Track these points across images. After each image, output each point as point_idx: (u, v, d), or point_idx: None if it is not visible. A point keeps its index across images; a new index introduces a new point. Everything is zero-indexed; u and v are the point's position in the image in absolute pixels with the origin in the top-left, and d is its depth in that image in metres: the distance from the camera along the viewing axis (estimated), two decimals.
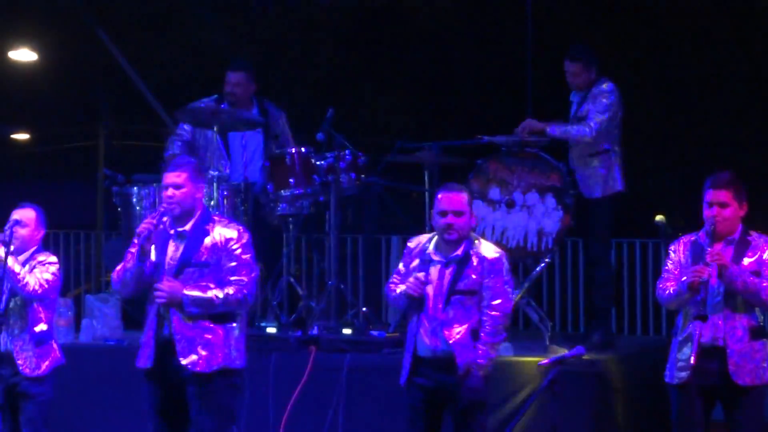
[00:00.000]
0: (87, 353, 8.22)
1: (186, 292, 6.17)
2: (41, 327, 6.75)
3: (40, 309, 6.76)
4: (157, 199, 7.67)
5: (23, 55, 14.58)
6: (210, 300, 6.20)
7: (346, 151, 8.12)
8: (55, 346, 6.86)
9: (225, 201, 8.06)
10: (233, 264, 6.28)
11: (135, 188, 8.22)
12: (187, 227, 6.31)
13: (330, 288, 8.16)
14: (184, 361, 6.17)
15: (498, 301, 6.11)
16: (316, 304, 8.30)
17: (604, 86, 8.08)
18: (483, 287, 6.11)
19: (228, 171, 8.42)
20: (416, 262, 6.24)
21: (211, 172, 8.06)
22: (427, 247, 6.24)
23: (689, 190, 6.80)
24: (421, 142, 8.49)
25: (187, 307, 6.17)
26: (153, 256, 6.28)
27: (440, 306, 6.12)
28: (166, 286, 6.18)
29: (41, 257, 6.80)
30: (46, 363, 6.75)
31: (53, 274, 6.74)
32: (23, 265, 6.69)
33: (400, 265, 6.37)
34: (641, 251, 10.14)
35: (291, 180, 8.11)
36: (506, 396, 7.30)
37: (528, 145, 8.25)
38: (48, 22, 13.28)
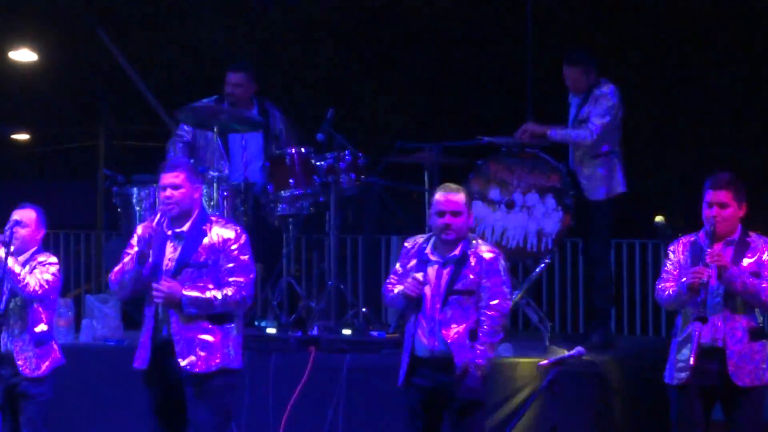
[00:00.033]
0: (87, 353, 8.23)
1: (185, 292, 6.17)
2: (41, 327, 6.75)
3: (41, 309, 6.76)
4: (157, 200, 7.67)
5: (23, 55, 14.58)
6: (209, 300, 6.21)
7: (346, 152, 8.12)
8: (55, 346, 6.86)
9: (225, 201, 8.06)
10: (231, 265, 6.29)
11: (135, 189, 8.22)
12: (185, 228, 6.32)
13: (330, 288, 8.16)
14: (183, 363, 6.18)
15: (496, 302, 6.12)
16: (316, 305, 8.30)
17: (605, 89, 8.07)
18: (481, 287, 6.12)
19: (228, 171, 8.42)
20: (413, 262, 6.24)
21: (211, 173, 8.06)
22: (425, 247, 6.25)
23: (689, 190, 6.80)
24: (421, 143, 8.49)
25: (186, 308, 6.18)
26: (151, 258, 6.29)
27: (438, 306, 6.13)
28: (164, 286, 6.19)
29: (41, 258, 6.80)
30: (46, 363, 6.76)
31: (53, 274, 6.75)
32: (23, 265, 6.69)
33: (397, 266, 6.38)
34: (641, 252, 10.13)
35: (291, 180, 8.12)
36: (506, 396, 7.30)
37: (528, 145, 8.26)
38: (48, 22, 13.28)
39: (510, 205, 8.25)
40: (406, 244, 6.38)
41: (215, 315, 6.27)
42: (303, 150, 8.15)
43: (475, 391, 6.07)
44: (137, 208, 8.14)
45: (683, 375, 6.22)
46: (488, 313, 6.11)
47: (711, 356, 6.17)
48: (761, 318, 6.26)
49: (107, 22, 12.82)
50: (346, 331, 7.91)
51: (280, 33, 13.33)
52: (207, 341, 6.24)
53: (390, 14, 13.03)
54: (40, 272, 6.70)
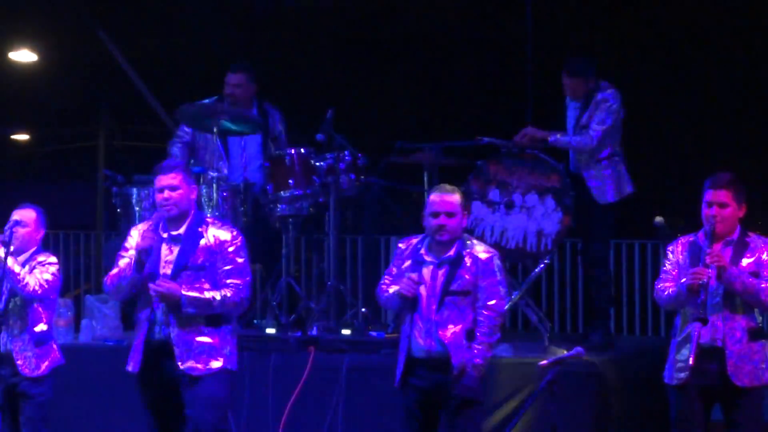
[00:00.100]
0: (86, 353, 8.23)
1: (184, 292, 6.18)
2: (41, 327, 6.76)
3: (40, 309, 6.76)
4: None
5: (23, 55, 14.57)
6: (208, 301, 6.22)
7: (346, 152, 8.12)
8: (54, 346, 6.87)
9: (224, 202, 8.06)
10: (229, 267, 6.30)
11: (135, 189, 8.23)
12: (182, 230, 6.33)
13: (329, 288, 8.17)
14: (183, 366, 6.19)
15: (493, 302, 6.12)
16: (315, 305, 8.30)
17: (605, 93, 8.06)
18: (477, 288, 6.12)
19: (227, 172, 8.42)
20: (408, 263, 6.24)
21: (211, 173, 8.06)
22: (419, 248, 6.25)
23: (688, 190, 6.81)
24: (420, 143, 8.50)
25: (185, 308, 6.19)
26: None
27: (434, 307, 6.12)
28: (164, 286, 6.19)
29: (41, 257, 6.81)
30: (46, 363, 6.76)
31: (53, 274, 6.75)
32: (23, 265, 6.70)
33: (392, 266, 6.38)
34: (640, 252, 10.14)
35: (290, 181, 8.12)
36: (505, 396, 7.30)
37: (527, 146, 8.26)
38: (48, 23, 13.27)
39: (509, 206, 8.25)
40: (400, 245, 6.38)
41: (212, 317, 6.28)
42: (303, 150, 8.15)
43: (472, 390, 6.07)
44: (137, 209, 8.14)
45: (683, 375, 6.22)
46: (485, 313, 6.11)
47: (710, 356, 6.17)
48: (760, 318, 6.27)
49: (107, 22, 12.82)
50: (346, 331, 7.92)
51: (280, 34, 13.33)
52: (206, 344, 6.26)
53: (390, 15, 13.03)
54: (40, 272, 6.70)
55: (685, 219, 6.83)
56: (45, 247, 7.01)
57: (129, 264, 6.29)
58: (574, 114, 8.22)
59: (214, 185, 7.99)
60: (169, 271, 6.27)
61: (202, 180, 7.96)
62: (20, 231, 6.74)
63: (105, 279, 6.48)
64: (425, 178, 8.39)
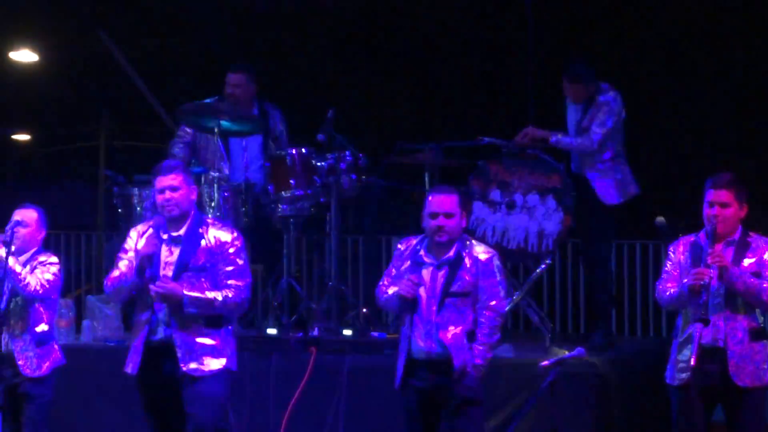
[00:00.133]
0: (88, 354, 8.23)
1: (186, 292, 6.18)
2: (42, 327, 6.76)
3: (41, 309, 6.76)
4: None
5: (24, 56, 14.56)
6: (210, 301, 6.23)
7: (347, 152, 8.12)
8: (56, 346, 6.87)
9: (225, 202, 8.06)
10: (230, 268, 6.31)
11: (136, 189, 8.23)
12: (182, 231, 6.32)
13: (330, 289, 8.16)
14: (185, 368, 6.19)
15: (493, 302, 6.13)
16: (316, 305, 8.30)
17: (607, 96, 8.05)
18: (477, 288, 6.12)
19: (228, 172, 8.42)
20: (407, 264, 6.24)
21: (212, 174, 8.06)
22: (418, 249, 6.24)
23: (689, 191, 6.80)
24: (421, 144, 8.50)
25: (187, 307, 6.19)
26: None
27: (434, 308, 6.12)
28: (166, 287, 6.18)
29: (42, 257, 6.81)
30: (47, 364, 6.76)
31: (54, 274, 6.75)
32: (24, 265, 6.70)
33: (391, 267, 6.37)
34: (641, 252, 10.14)
35: (292, 181, 8.12)
36: (507, 397, 7.31)
37: (528, 147, 8.27)
38: (49, 23, 13.27)
39: (511, 206, 8.25)
40: (399, 246, 6.38)
41: (213, 318, 6.28)
42: (303, 151, 8.15)
43: (473, 391, 6.08)
44: (138, 209, 8.14)
45: (684, 375, 6.22)
46: (486, 313, 6.11)
47: (712, 357, 6.17)
48: (762, 318, 6.27)
49: (108, 22, 12.82)
50: (347, 332, 7.92)
51: (280, 33, 13.32)
52: (207, 344, 6.26)
53: (391, 15, 13.03)
54: (41, 272, 6.70)
55: (686, 219, 6.82)
56: (46, 247, 7.01)
57: (130, 268, 6.28)
58: (574, 117, 8.22)
59: (216, 185, 7.99)
60: (170, 273, 6.27)
61: (203, 180, 7.96)
62: (21, 231, 6.74)
63: (105, 281, 6.47)
64: (426, 179, 8.39)
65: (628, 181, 8.15)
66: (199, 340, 6.25)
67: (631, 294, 10.19)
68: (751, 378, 6.17)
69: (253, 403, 7.69)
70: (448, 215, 6.15)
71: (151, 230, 6.41)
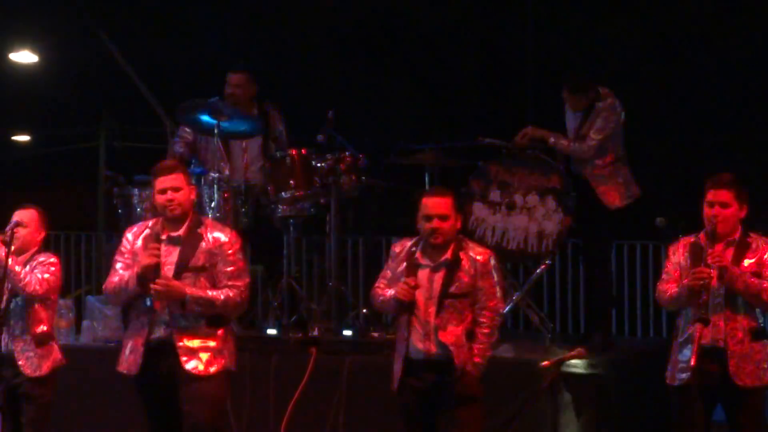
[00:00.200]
0: (87, 354, 8.22)
1: (188, 290, 6.18)
2: (42, 328, 6.75)
3: (41, 310, 6.76)
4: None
5: (24, 56, 14.58)
6: (211, 301, 6.22)
7: (347, 153, 8.12)
8: (56, 346, 6.86)
9: (225, 203, 8.05)
10: (230, 269, 6.30)
11: (136, 189, 8.21)
12: (181, 231, 6.32)
13: (330, 290, 8.16)
14: (186, 367, 6.18)
15: (492, 303, 6.14)
16: (316, 306, 8.30)
17: (606, 102, 8.05)
18: (476, 289, 6.13)
19: (228, 172, 8.42)
20: (403, 266, 6.24)
21: (212, 174, 8.06)
22: (414, 251, 6.24)
23: (690, 192, 6.80)
24: (421, 144, 8.49)
25: (189, 305, 6.18)
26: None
27: (432, 310, 6.12)
28: (168, 285, 6.17)
29: (42, 258, 6.80)
30: (48, 364, 6.75)
31: (54, 274, 6.75)
32: (24, 265, 6.69)
33: (386, 269, 6.37)
34: (641, 253, 10.14)
35: (291, 182, 8.11)
36: (506, 397, 7.30)
37: (528, 147, 8.27)
38: (49, 24, 13.28)
39: (511, 207, 8.25)
40: (394, 248, 6.38)
41: (213, 318, 6.27)
42: (303, 151, 8.15)
43: (473, 388, 6.08)
44: (138, 209, 8.13)
45: (684, 376, 6.21)
46: (486, 313, 6.13)
47: (712, 357, 6.17)
48: (762, 318, 6.27)
49: (108, 23, 12.83)
50: (347, 333, 7.91)
51: (281, 34, 13.33)
52: (209, 345, 6.26)
53: (392, 16, 13.04)
54: (41, 272, 6.70)
55: (686, 220, 6.82)
56: (46, 247, 7.00)
57: (131, 275, 6.24)
58: (574, 122, 8.22)
59: (215, 186, 7.98)
60: (170, 273, 6.26)
61: (203, 181, 7.96)
62: (21, 232, 6.74)
63: (104, 286, 6.45)
64: (426, 179, 8.39)
65: (629, 183, 8.15)
66: (200, 339, 6.24)
67: (631, 294, 10.19)
68: (751, 378, 6.17)
69: (253, 404, 7.69)
70: (443, 218, 6.15)
71: (148, 231, 6.39)
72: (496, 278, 6.18)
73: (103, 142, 18.48)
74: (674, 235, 6.54)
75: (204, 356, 6.23)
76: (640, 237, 9.99)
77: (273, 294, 8.50)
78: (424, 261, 6.20)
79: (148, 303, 6.23)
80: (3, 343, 6.71)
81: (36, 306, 6.73)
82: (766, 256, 6.21)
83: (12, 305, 6.71)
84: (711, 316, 6.10)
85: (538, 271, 8.38)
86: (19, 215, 6.80)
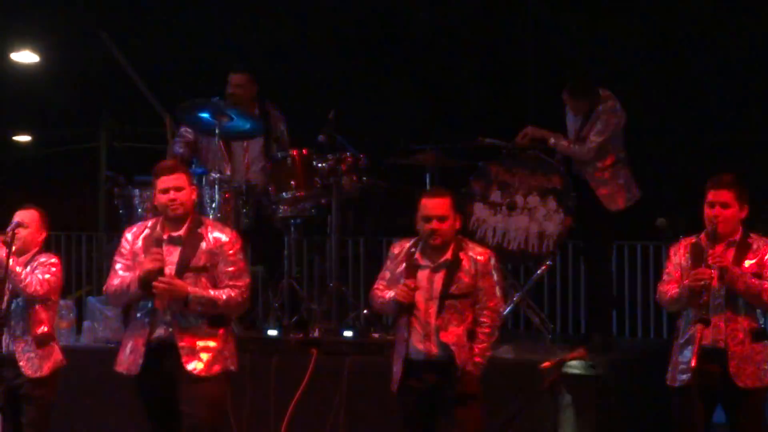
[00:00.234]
0: (88, 355, 8.22)
1: (190, 289, 6.17)
2: (43, 328, 6.75)
3: (42, 310, 6.76)
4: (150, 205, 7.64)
5: (25, 56, 14.59)
6: (213, 300, 6.22)
7: (348, 153, 8.12)
8: (57, 347, 6.86)
9: (226, 203, 8.05)
10: (231, 269, 6.30)
11: (137, 190, 8.21)
12: (182, 231, 6.31)
13: (331, 290, 8.16)
14: (186, 367, 6.17)
15: (492, 303, 6.15)
16: (317, 307, 8.30)
17: (606, 105, 8.05)
18: (476, 289, 6.14)
19: (229, 173, 8.42)
20: (402, 267, 6.24)
21: (213, 174, 8.06)
22: (413, 251, 6.25)
23: (690, 192, 6.81)
24: (422, 144, 8.50)
25: (191, 305, 6.18)
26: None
27: (432, 311, 6.13)
28: (171, 284, 6.16)
29: (43, 258, 6.80)
30: (48, 365, 6.75)
31: (55, 275, 6.75)
32: (25, 266, 6.69)
33: (385, 270, 6.37)
34: (642, 254, 10.14)
35: (292, 182, 8.12)
36: (507, 398, 7.30)
37: (528, 148, 8.27)
38: (50, 24, 13.29)
39: (511, 207, 8.26)
40: (393, 249, 6.38)
41: (215, 318, 6.27)
42: (304, 152, 8.15)
43: (473, 387, 6.09)
44: (139, 210, 8.13)
45: (685, 377, 6.22)
46: (487, 313, 6.14)
47: (712, 358, 6.17)
48: (762, 319, 6.27)
49: (109, 23, 12.83)
50: (348, 333, 7.91)
51: (282, 34, 13.33)
52: (209, 344, 6.25)
53: (393, 16, 13.04)
54: (42, 273, 6.70)
55: (686, 221, 6.82)
56: (47, 248, 7.00)
57: (133, 279, 6.23)
58: (574, 124, 8.23)
59: (216, 186, 7.99)
60: (171, 274, 6.25)
61: (204, 181, 7.96)
62: (22, 232, 6.73)
63: (105, 288, 6.44)
64: (427, 179, 8.40)
65: (630, 185, 8.15)
66: (201, 339, 6.23)
67: (631, 295, 10.19)
68: (751, 379, 6.17)
69: (254, 404, 7.68)
70: (442, 218, 6.16)
71: (147, 231, 6.39)
72: (496, 278, 6.20)
73: (103, 143, 18.47)
74: (675, 236, 6.55)
75: (205, 356, 6.23)
76: (641, 238, 9.99)
77: (274, 295, 8.50)
78: (423, 262, 6.21)
79: (150, 305, 6.23)
80: (4, 344, 6.70)
81: (37, 307, 6.73)
82: (766, 257, 6.21)
83: (13, 306, 6.71)
84: (712, 317, 6.10)
85: (538, 271, 8.38)
86: (19, 216, 6.79)
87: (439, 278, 6.15)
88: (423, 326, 6.13)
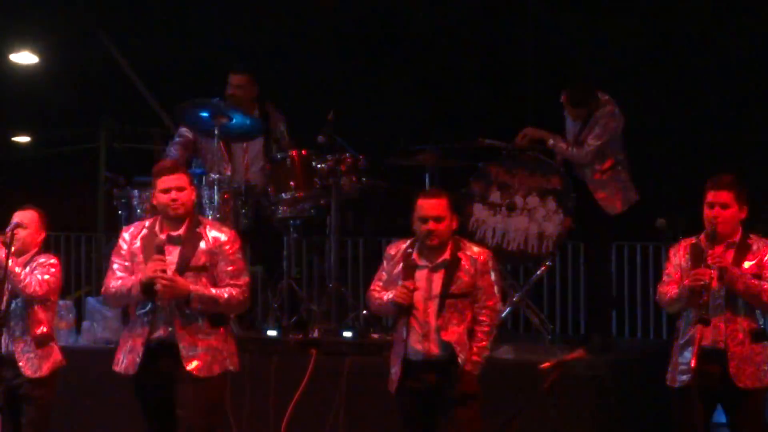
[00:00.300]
0: (87, 355, 8.22)
1: (192, 288, 6.17)
2: (42, 329, 6.75)
3: (41, 311, 6.76)
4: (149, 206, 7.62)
5: (24, 57, 14.58)
6: (215, 299, 6.22)
7: (347, 154, 8.12)
8: (56, 347, 6.86)
9: (225, 204, 8.05)
10: (231, 268, 6.30)
11: (136, 191, 8.22)
12: (181, 231, 6.31)
13: (330, 291, 8.16)
14: (188, 367, 6.17)
15: (491, 301, 6.18)
16: (316, 307, 8.30)
17: (605, 110, 8.05)
18: (475, 288, 6.14)
19: (229, 173, 8.42)
20: (399, 267, 6.25)
21: (213, 175, 8.06)
22: (410, 252, 6.25)
23: (690, 193, 6.80)
24: (421, 145, 8.49)
25: (192, 303, 6.17)
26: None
27: (432, 310, 6.13)
28: (174, 281, 6.15)
29: (42, 259, 6.80)
30: (48, 365, 6.75)
31: (54, 275, 6.75)
32: (24, 267, 6.69)
33: (381, 272, 6.37)
34: (642, 254, 10.13)
35: (292, 183, 8.12)
36: (507, 398, 7.30)
37: (528, 149, 8.27)
38: (49, 24, 13.28)
39: (511, 208, 8.25)
40: (389, 250, 6.39)
41: (215, 317, 6.27)
42: (304, 152, 8.15)
43: (473, 386, 6.10)
44: (138, 210, 8.13)
45: (684, 377, 6.21)
46: (486, 312, 6.16)
47: (712, 358, 6.17)
48: (762, 320, 6.27)
49: (108, 24, 12.84)
50: (347, 334, 7.91)
51: (281, 35, 13.33)
52: (210, 344, 6.25)
53: (392, 16, 13.04)
54: (41, 273, 6.70)
55: (686, 222, 6.82)
56: (46, 248, 7.00)
57: (134, 283, 6.21)
58: (573, 128, 8.22)
59: (216, 187, 7.98)
60: (172, 273, 6.25)
61: (203, 182, 7.96)
62: (21, 233, 6.74)
63: (103, 290, 6.42)
64: (426, 180, 8.39)
65: (627, 189, 8.15)
66: (201, 339, 6.23)
67: (631, 296, 10.19)
68: (751, 379, 6.18)
69: (254, 405, 7.68)
70: (438, 219, 6.17)
71: (146, 231, 6.38)
72: (494, 277, 6.23)
73: (103, 143, 18.46)
74: (674, 237, 6.55)
75: (205, 356, 6.22)
76: (641, 238, 9.99)
77: (273, 295, 8.50)
78: (421, 262, 6.22)
79: (150, 305, 6.23)
80: (3, 345, 6.71)
81: (36, 307, 6.73)
82: (766, 258, 6.21)
83: (12, 306, 6.72)
84: (711, 318, 6.10)
85: (538, 272, 8.38)
86: (19, 216, 6.80)
87: (437, 278, 6.17)
88: (422, 326, 6.14)
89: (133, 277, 6.24)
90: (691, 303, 6.17)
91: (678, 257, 6.37)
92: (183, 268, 6.24)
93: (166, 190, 6.28)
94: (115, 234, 7.04)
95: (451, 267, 6.16)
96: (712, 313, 6.12)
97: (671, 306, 6.39)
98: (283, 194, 8.15)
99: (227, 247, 6.32)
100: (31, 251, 6.83)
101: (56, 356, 6.83)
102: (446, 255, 6.19)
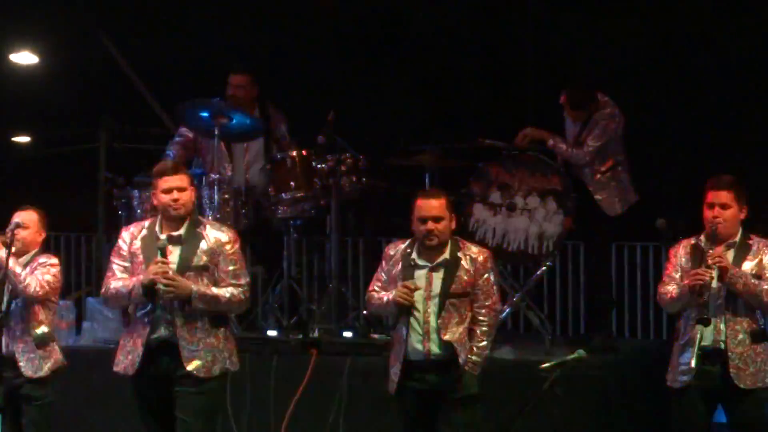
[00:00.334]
0: (88, 356, 8.22)
1: (194, 287, 6.17)
2: (43, 329, 6.75)
3: (42, 311, 6.76)
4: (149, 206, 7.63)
5: (24, 57, 14.55)
6: (217, 298, 6.23)
7: (347, 154, 8.12)
8: (56, 348, 6.86)
9: (225, 204, 8.05)
10: (231, 267, 6.31)
11: (136, 191, 8.22)
12: (181, 231, 6.31)
13: (331, 291, 8.16)
14: (188, 367, 6.17)
15: (490, 301, 6.20)
16: (316, 307, 8.30)
17: (606, 111, 8.06)
18: (475, 288, 6.14)
19: (229, 173, 8.42)
20: (398, 268, 6.25)
21: (213, 175, 8.06)
22: (409, 252, 6.26)
23: (691, 193, 6.80)
24: (421, 145, 8.50)
25: (194, 302, 6.17)
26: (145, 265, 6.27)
27: (431, 310, 6.14)
28: (176, 280, 6.15)
29: (42, 259, 6.81)
30: (48, 365, 6.76)
31: (54, 275, 6.75)
32: (24, 267, 6.70)
33: (380, 272, 6.38)
34: (642, 254, 10.12)
35: (292, 183, 8.12)
36: (507, 398, 7.30)
37: (528, 149, 8.28)
38: (49, 24, 13.25)
39: (511, 208, 8.26)
40: (388, 251, 6.39)
41: (216, 317, 6.27)
42: (304, 152, 8.15)
43: (473, 386, 6.11)
44: (138, 211, 8.14)
45: (685, 378, 6.22)
46: (485, 312, 6.18)
47: (713, 358, 6.18)
48: (762, 320, 6.27)
49: (109, 24, 12.81)
50: (347, 334, 7.92)
51: (281, 35, 13.31)
52: (210, 344, 6.25)
53: (393, 16, 13.02)
54: (41, 273, 6.70)
55: (686, 222, 6.82)
56: (46, 249, 7.00)
57: (136, 285, 6.21)
58: (573, 129, 8.23)
59: (216, 187, 7.99)
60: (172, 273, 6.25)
61: (203, 182, 7.96)
62: (21, 233, 6.74)
63: (103, 290, 6.43)
64: (426, 180, 8.40)
65: (627, 190, 8.16)
66: (202, 339, 6.24)
67: (631, 296, 10.18)
68: (752, 379, 6.18)
69: (254, 405, 7.69)
70: (437, 219, 6.18)
71: (145, 231, 6.38)
72: (493, 277, 6.24)
73: (103, 144, 18.43)
74: (674, 237, 6.55)
75: (206, 356, 6.23)
76: (641, 238, 9.97)
77: (273, 295, 8.50)
78: (420, 262, 6.22)
79: (150, 305, 6.23)
80: (4, 345, 6.71)
81: (36, 307, 6.73)
82: (766, 259, 6.21)
83: (12, 306, 6.72)
84: (711, 318, 6.10)
85: (538, 272, 8.38)
86: (19, 216, 6.80)
87: (437, 278, 6.17)
88: (422, 326, 6.14)
89: (133, 279, 6.24)
90: (691, 303, 6.17)
91: (678, 257, 6.37)
92: (184, 268, 6.25)
93: (168, 191, 6.29)
94: (115, 234, 7.06)
95: (451, 267, 6.17)
96: (712, 314, 6.12)
97: (671, 306, 6.39)
98: (283, 194, 8.15)
99: (228, 247, 6.32)
100: (32, 251, 6.83)
101: (57, 356, 6.83)
102: (445, 255, 6.19)
